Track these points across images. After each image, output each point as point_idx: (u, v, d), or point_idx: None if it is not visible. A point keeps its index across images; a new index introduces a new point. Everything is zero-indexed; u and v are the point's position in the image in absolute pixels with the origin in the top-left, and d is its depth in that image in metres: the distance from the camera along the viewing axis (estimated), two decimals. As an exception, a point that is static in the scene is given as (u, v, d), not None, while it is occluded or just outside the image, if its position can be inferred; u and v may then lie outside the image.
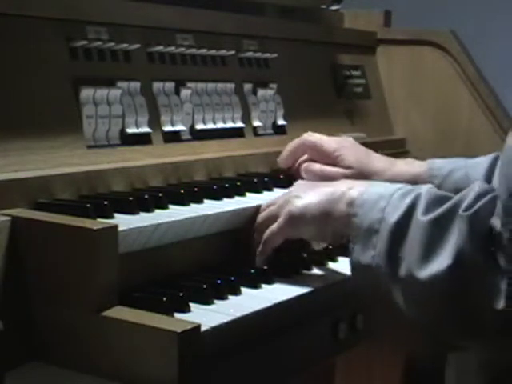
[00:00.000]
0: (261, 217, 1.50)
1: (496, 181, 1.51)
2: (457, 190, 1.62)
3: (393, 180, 1.68)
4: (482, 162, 1.66)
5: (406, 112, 2.41)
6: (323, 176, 1.70)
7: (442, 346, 1.35)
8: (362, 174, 1.69)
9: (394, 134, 2.40)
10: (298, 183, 1.52)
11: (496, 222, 1.13)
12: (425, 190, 1.26)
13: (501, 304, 1.11)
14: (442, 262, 1.15)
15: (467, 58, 2.33)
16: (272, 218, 1.45)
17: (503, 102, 2.32)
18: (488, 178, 1.62)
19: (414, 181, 1.68)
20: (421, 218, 1.20)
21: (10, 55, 1.41)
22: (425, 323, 1.22)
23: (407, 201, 1.24)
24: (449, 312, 1.18)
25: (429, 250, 1.18)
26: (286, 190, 1.68)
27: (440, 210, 1.20)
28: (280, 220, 1.42)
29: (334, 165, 1.73)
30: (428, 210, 1.21)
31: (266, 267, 1.44)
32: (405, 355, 2.15)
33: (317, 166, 1.72)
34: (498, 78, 2.45)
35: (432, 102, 2.38)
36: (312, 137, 1.77)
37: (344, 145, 1.75)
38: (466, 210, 1.16)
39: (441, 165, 1.70)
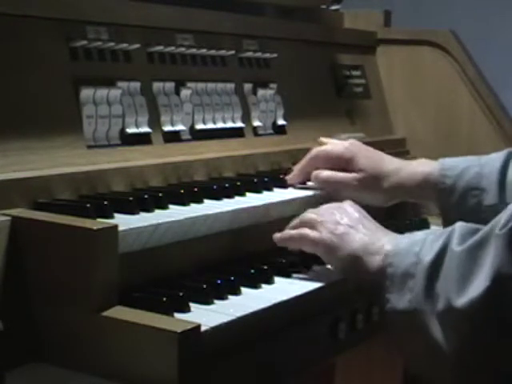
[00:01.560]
0: (304, 216, 1.48)
1: None
2: (470, 189, 1.62)
3: (405, 180, 1.68)
4: (495, 159, 1.66)
5: (405, 112, 2.41)
6: (334, 182, 1.69)
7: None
8: (375, 176, 1.69)
9: (394, 133, 2.40)
10: (346, 205, 1.48)
11: None
12: (458, 225, 1.24)
13: None
14: (479, 285, 1.13)
15: (467, 57, 2.33)
16: (310, 224, 1.45)
17: (503, 102, 2.32)
18: (503, 174, 1.62)
19: (427, 180, 1.68)
20: (455, 248, 1.19)
21: (10, 55, 1.41)
22: (464, 355, 1.17)
23: (441, 240, 1.23)
24: (488, 337, 1.15)
25: (465, 278, 1.15)
26: (285, 191, 1.69)
27: (475, 238, 1.18)
28: (318, 235, 1.42)
29: (346, 169, 1.71)
30: (463, 240, 1.20)
31: (265, 267, 1.44)
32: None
33: (325, 173, 1.71)
34: (497, 78, 2.45)
35: (432, 102, 2.38)
36: (321, 146, 1.76)
37: (354, 147, 1.74)
38: (501, 229, 1.14)
39: (453, 164, 1.68)
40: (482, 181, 1.63)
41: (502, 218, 1.16)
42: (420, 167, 1.72)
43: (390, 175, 1.70)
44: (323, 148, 1.75)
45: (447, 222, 1.63)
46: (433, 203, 1.74)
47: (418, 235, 1.30)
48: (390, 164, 1.72)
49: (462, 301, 1.14)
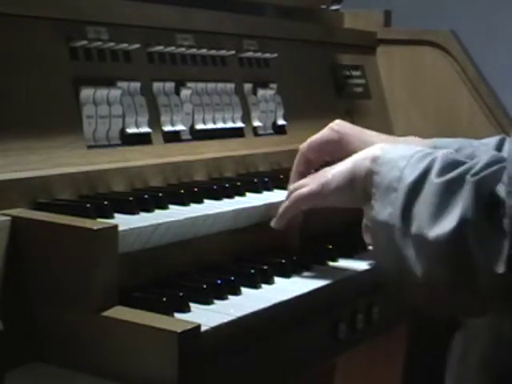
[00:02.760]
0: (294, 185, 1.52)
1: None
2: None
3: None
4: (489, 142, 1.66)
5: (405, 112, 2.41)
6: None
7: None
8: None
9: (394, 134, 2.40)
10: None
11: (501, 189, 1.17)
12: (441, 153, 1.30)
13: (501, 268, 1.15)
14: (447, 223, 1.20)
15: (467, 57, 2.33)
16: (301, 186, 1.48)
17: (503, 102, 2.32)
18: None
19: None
20: (434, 179, 1.24)
21: (10, 55, 1.41)
22: (429, 279, 1.24)
23: (424, 162, 1.28)
24: (452, 272, 1.21)
25: (438, 211, 1.22)
26: (285, 192, 1.68)
27: (452, 174, 1.23)
28: (311, 185, 1.46)
29: (337, 152, 1.70)
30: (442, 172, 1.25)
31: (265, 267, 1.44)
32: (405, 355, 2.15)
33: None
34: (497, 78, 2.45)
35: (432, 102, 2.38)
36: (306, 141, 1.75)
37: (340, 128, 1.71)
38: (473, 175, 1.20)
39: (446, 144, 1.68)
40: None
41: (479, 163, 1.22)
42: (413, 143, 1.70)
43: None
44: (308, 140, 1.73)
45: None
46: None
47: (406, 149, 1.34)
48: (378, 139, 1.71)
49: (431, 233, 1.21)
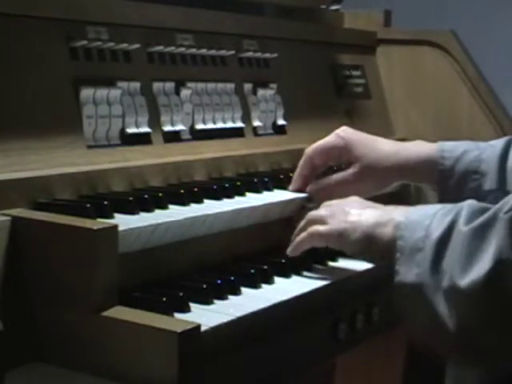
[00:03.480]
0: (311, 214, 1.49)
1: None
2: (469, 172, 1.61)
3: (401, 163, 1.67)
4: (495, 145, 1.65)
5: (405, 112, 2.41)
6: (335, 184, 1.68)
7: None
8: (372, 162, 1.66)
9: (394, 134, 2.40)
10: (352, 199, 1.51)
11: None
12: (467, 203, 1.26)
13: None
14: (482, 267, 1.15)
15: (467, 58, 2.33)
16: (320, 221, 1.46)
17: (503, 102, 2.32)
18: (503, 159, 1.61)
19: (424, 162, 1.66)
20: (462, 228, 1.21)
21: (10, 55, 1.41)
22: (463, 333, 1.20)
23: (450, 216, 1.25)
24: (488, 318, 1.17)
25: (470, 258, 1.17)
26: (285, 192, 1.69)
27: (481, 219, 1.20)
28: (329, 227, 1.43)
29: (342, 158, 1.70)
30: (470, 220, 1.21)
31: (265, 267, 1.44)
32: (405, 355, 2.15)
33: (319, 183, 1.69)
34: (497, 78, 2.45)
35: (432, 102, 2.38)
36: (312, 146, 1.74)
37: (346, 134, 1.71)
38: (506, 212, 1.16)
39: (452, 147, 1.67)
40: (482, 165, 1.62)
41: (510, 200, 1.17)
42: (416, 148, 1.70)
43: (388, 158, 1.68)
44: (314, 144, 1.73)
45: None
46: (430, 186, 1.72)
47: (429, 208, 1.31)
48: (384, 144, 1.70)
49: (464, 281, 1.16)
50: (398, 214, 1.35)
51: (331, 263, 1.56)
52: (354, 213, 1.42)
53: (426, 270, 1.24)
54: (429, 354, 1.36)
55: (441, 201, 1.66)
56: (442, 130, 2.34)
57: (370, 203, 1.47)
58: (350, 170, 1.67)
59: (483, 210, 1.22)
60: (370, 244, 1.38)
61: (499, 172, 1.60)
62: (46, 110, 1.45)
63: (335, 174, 1.69)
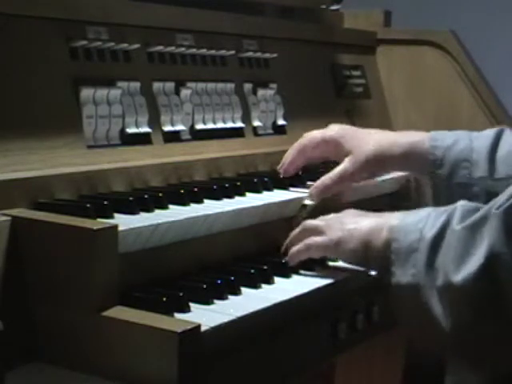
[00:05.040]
0: (308, 224, 1.50)
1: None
2: (460, 160, 1.62)
3: (393, 153, 1.67)
4: (487, 135, 1.65)
5: (405, 112, 2.41)
6: (336, 181, 1.68)
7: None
8: (363, 153, 1.66)
9: (394, 133, 2.40)
10: (347, 211, 1.52)
11: None
12: (460, 203, 1.28)
13: None
14: (475, 262, 1.16)
15: (467, 58, 2.33)
16: (316, 232, 1.46)
17: (503, 102, 2.32)
18: (493, 149, 1.61)
19: (413, 148, 1.66)
20: (456, 227, 1.23)
21: (10, 55, 1.41)
22: (458, 330, 1.21)
23: (443, 217, 1.27)
24: (481, 312, 1.18)
25: (463, 255, 1.19)
26: (285, 192, 1.69)
27: (474, 217, 1.22)
28: (326, 238, 1.45)
29: (335, 152, 1.70)
30: (463, 219, 1.23)
31: (265, 267, 1.44)
32: (405, 355, 2.15)
33: (319, 183, 1.69)
34: (498, 78, 2.45)
35: (432, 102, 2.38)
36: (307, 135, 1.75)
37: (342, 130, 1.71)
38: (498, 207, 1.18)
39: (443, 136, 1.68)
40: (473, 154, 1.62)
41: (501, 197, 1.19)
42: (409, 138, 1.69)
43: (381, 147, 1.67)
44: (308, 137, 1.73)
45: (437, 196, 1.64)
46: (422, 175, 1.73)
47: (423, 212, 1.33)
48: (377, 136, 1.71)
49: (458, 277, 1.18)
50: (392, 218, 1.37)
51: (331, 263, 1.56)
52: (350, 222, 1.44)
53: (421, 270, 1.26)
54: (428, 354, 1.36)
55: (433, 191, 1.67)
56: (441, 129, 2.34)
57: (366, 213, 1.48)
58: (345, 163, 1.68)
59: (476, 210, 1.24)
60: (366, 251, 1.39)
61: (489, 161, 1.61)
62: (46, 109, 1.45)
63: (331, 172, 1.69)
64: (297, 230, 1.51)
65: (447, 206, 1.31)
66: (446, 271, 1.21)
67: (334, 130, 1.73)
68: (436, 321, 1.22)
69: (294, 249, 1.48)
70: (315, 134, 1.73)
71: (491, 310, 1.17)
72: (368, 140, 1.69)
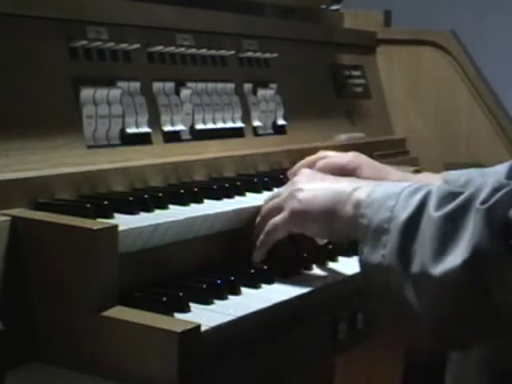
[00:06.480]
0: (264, 208, 1.49)
1: None
2: None
3: None
4: (499, 170, 1.64)
5: (406, 112, 2.41)
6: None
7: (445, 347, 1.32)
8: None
9: (394, 133, 2.41)
10: (303, 172, 1.49)
11: None
12: (436, 186, 1.24)
13: None
14: (456, 256, 1.14)
15: (467, 58, 2.33)
16: (275, 211, 1.44)
17: (503, 102, 2.32)
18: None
19: None
20: (433, 213, 1.19)
21: (11, 55, 1.41)
22: (436, 321, 1.19)
23: (417, 198, 1.22)
24: (463, 307, 1.16)
25: (442, 246, 1.16)
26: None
27: (453, 205, 1.18)
28: (284, 214, 1.42)
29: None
30: (440, 205, 1.19)
31: (265, 267, 1.44)
32: (405, 355, 2.15)
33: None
34: (497, 78, 2.45)
35: (432, 102, 2.38)
36: (324, 153, 1.70)
37: (359, 158, 1.70)
38: (482, 203, 1.14)
39: (456, 176, 1.67)
40: None
41: (483, 191, 1.16)
42: (424, 179, 1.69)
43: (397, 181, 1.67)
44: (326, 160, 1.71)
45: None
46: None
47: (393, 187, 1.29)
48: (394, 175, 1.70)
49: (438, 269, 1.15)
50: (357, 190, 1.32)
51: (331, 263, 1.56)
52: (305, 188, 1.40)
53: (392, 253, 1.21)
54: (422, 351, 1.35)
55: None
56: (441, 129, 2.35)
57: (319, 173, 1.45)
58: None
59: (454, 195, 1.20)
60: (330, 221, 1.35)
61: None
62: (46, 110, 1.45)
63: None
64: (258, 219, 1.48)
65: (419, 184, 1.27)
66: (423, 261, 1.17)
67: (354, 155, 1.68)
68: (409, 304, 1.20)
69: (258, 243, 1.45)
70: (331, 159, 1.67)
71: (475, 306, 1.15)
72: (385, 177, 1.66)
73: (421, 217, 1.21)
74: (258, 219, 1.49)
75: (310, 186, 1.41)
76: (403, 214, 1.22)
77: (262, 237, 1.45)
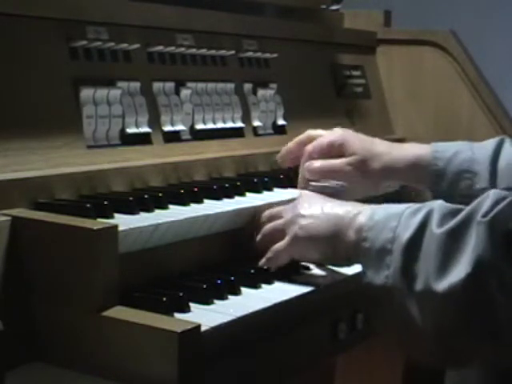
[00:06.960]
0: (266, 229, 1.49)
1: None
2: (462, 171, 1.62)
3: (397, 161, 1.67)
4: (488, 145, 1.65)
5: (405, 112, 2.41)
6: (327, 171, 1.68)
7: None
8: (366, 159, 1.67)
9: (394, 133, 2.40)
10: (305, 195, 1.51)
11: None
12: (437, 204, 1.24)
13: None
14: (460, 271, 1.13)
15: (467, 58, 2.33)
16: (277, 233, 1.45)
17: (503, 102, 2.32)
18: (494, 159, 1.61)
19: (417, 162, 1.66)
20: (435, 230, 1.19)
21: (10, 55, 1.41)
22: (439, 335, 1.19)
23: (419, 217, 1.23)
24: (467, 321, 1.16)
25: (446, 262, 1.16)
26: (285, 191, 1.68)
27: (455, 221, 1.18)
28: (285, 240, 1.42)
29: (338, 155, 1.71)
30: (442, 222, 1.19)
31: (265, 267, 1.44)
32: (405, 355, 2.14)
33: (318, 163, 1.69)
34: (497, 78, 2.45)
35: (432, 102, 2.38)
36: (311, 132, 1.75)
37: (345, 133, 1.73)
38: (484, 216, 1.14)
39: (445, 147, 1.68)
40: (474, 164, 1.62)
41: (484, 204, 1.16)
42: (411, 149, 1.70)
43: (382, 155, 1.67)
44: (315, 143, 1.73)
45: None
46: (424, 187, 1.72)
47: (394, 208, 1.29)
48: (380, 145, 1.71)
49: (441, 285, 1.15)
50: (359, 214, 1.32)
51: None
52: (305, 214, 1.41)
53: (395, 273, 1.22)
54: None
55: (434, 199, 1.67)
56: (441, 129, 2.34)
57: (323, 198, 1.46)
58: (347, 159, 1.68)
59: (455, 212, 1.20)
60: (332, 248, 1.36)
61: (490, 171, 1.60)
62: (46, 109, 1.45)
63: (333, 160, 1.69)
64: (259, 238, 1.50)
65: (420, 204, 1.27)
66: (427, 278, 1.17)
67: (339, 132, 1.73)
68: (413, 322, 1.20)
69: (263, 261, 1.45)
70: (318, 140, 1.72)
71: (479, 319, 1.15)
72: (371, 148, 1.68)
73: (423, 235, 1.21)
74: (259, 238, 1.50)
75: (312, 211, 1.41)
76: (405, 234, 1.22)
77: (263, 261, 1.45)
